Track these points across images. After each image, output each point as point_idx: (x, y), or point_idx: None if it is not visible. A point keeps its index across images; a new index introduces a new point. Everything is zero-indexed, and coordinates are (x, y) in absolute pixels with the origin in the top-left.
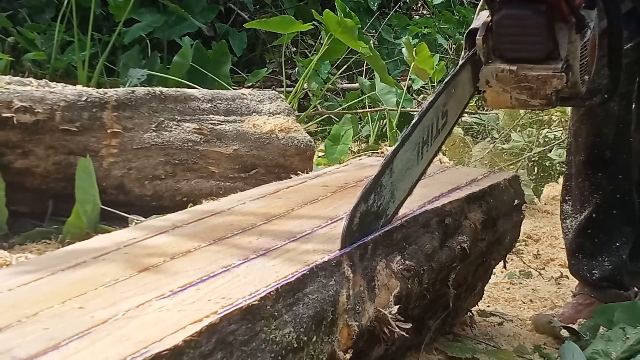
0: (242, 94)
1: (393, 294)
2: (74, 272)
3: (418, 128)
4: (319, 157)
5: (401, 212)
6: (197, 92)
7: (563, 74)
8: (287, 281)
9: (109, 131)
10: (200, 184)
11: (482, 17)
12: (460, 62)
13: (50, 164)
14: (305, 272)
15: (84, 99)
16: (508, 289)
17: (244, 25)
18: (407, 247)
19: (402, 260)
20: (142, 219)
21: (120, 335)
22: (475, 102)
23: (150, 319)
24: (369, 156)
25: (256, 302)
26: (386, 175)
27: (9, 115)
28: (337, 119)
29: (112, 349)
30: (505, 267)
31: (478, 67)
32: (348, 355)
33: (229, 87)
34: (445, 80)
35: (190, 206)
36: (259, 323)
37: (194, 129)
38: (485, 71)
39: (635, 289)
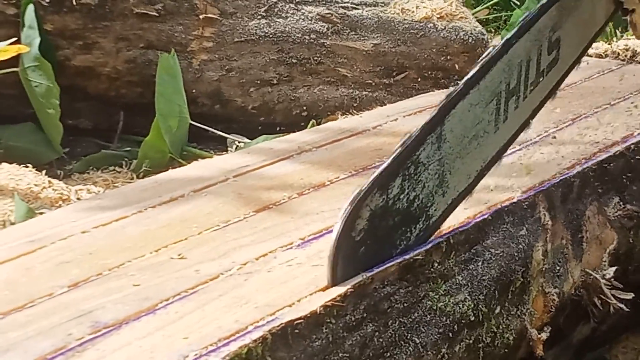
0: None
1: (608, 250)
2: (169, 210)
3: (498, 66)
4: None
5: (620, 133)
6: None
7: None
8: (461, 229)
9: (201, 17)
10: (326, 93)
11: None
12: None
13: (121, 62)
14: (485, 216)
15: None
16: None
17: None
18: (629, 185)
19: (622, 203)
20: (246, 140)
21: (236, 297)
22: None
23: (276, 276)
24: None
25: (420, 257)
26: (428, 144)
27: None
28: (519, 1)
29: (228, 314)
30: None
31: None
32: (544, 335)
33: None
34: None
35: (313, 124)
36: (423, 286)
37: (318, 15)
38: None
39: None
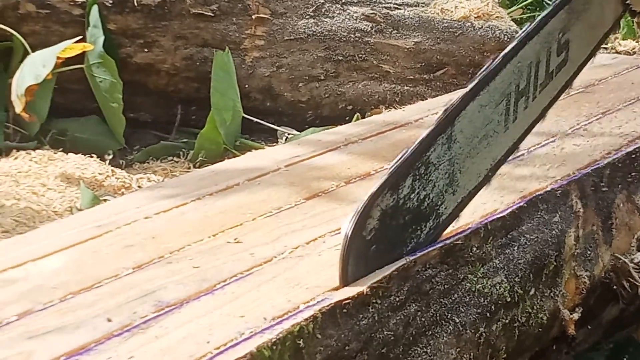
0: None
1: (636, 236)
2: (226, 198)
3: (508, 68)
4: None
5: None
6: None
7: None
8: (497, 216)
9: (253, 17)
10: (370, 88)
11: None
12: None
13: (179, 59)
14: (521, 204)
15: None
16: None
17: None
18: None
19: None
20: (295, 132)
21: (288, 278)
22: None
23: (325, 259)
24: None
25: (459, 242)
26: (439, 145)
27: None
28: (551, 2)
29: (280, 294)
30: None
31: None
32: (576, 315)
33: None
34: None
35: (358, 117)
36: (463, 269)
37: (363, 14)
38: None
39: None
